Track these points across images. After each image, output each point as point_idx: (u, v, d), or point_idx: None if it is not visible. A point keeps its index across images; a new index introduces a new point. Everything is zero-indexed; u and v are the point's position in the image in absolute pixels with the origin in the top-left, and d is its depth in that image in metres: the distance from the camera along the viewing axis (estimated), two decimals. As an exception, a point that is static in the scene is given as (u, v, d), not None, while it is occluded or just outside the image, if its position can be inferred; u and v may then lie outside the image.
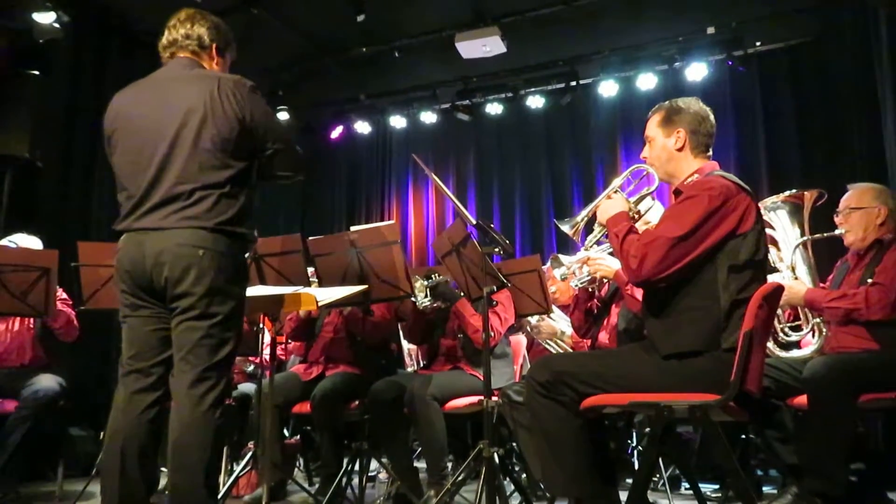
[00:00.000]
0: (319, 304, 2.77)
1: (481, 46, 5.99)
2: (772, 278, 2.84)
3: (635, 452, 4.21)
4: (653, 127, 2.43)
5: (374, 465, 4.04)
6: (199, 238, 2.12)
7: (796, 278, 3.09)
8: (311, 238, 3.61)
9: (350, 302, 3.59)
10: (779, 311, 3.02)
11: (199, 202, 2.14)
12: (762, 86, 6.27)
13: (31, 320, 3.95)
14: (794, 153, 6.02)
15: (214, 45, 2.40)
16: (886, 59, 4.63)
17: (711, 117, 2.41)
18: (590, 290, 3.18)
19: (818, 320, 3.04)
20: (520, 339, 4.23)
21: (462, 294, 3.56)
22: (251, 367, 4.47)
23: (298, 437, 4.54)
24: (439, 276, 3.61)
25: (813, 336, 3.07)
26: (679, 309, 2.17)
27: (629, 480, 3.86)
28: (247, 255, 2.31)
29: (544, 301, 3.72)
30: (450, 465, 3.56)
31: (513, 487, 3.32)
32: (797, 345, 3.13)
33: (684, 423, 3.93)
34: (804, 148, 5.95)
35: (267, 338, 3.76)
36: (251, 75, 2.35)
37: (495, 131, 7.42)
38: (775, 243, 3.16)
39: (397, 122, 7.50)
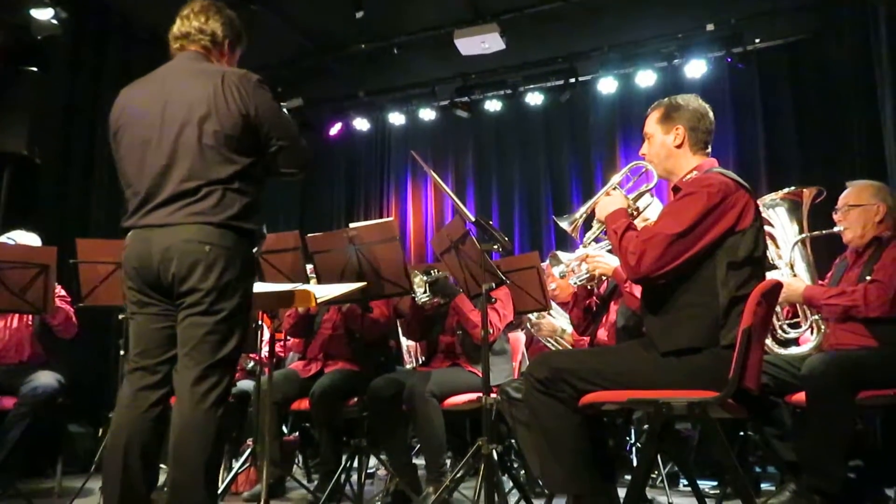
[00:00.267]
0: (318, 300, 2.77)
1: (480, 43, 5.99)
2: (770, 275, 2.84)
3: (634, 449, 4.21)
4: (652, 124, 2.43)
5: (372, 461, 4.05)
6: (206, 234, 2.10)
7: (795, 275, 3.09)
8: (309, 235, 3.61)
9: (349, 299, 3.59)
10: (777, 308, 3.02)
11: (205, 198, 2.12)
12: (761, 83, 6.27)
13: (30, 317, 3.95)
14: (792, 150, 6.03)
15: (227, 41, 2.37)
16: (886, 57, 4.63)
17: (710, 114, 2.40)
18: (589, 287, 3.18)
19: (817, 317, 3.05)
20: (518, 336, 4.23)
21: (461, 290, 3.56)
22: (250, 364, 4.47)
23: (297, 433, 4.54)
24: (438, 271, 3.62)
25: (811, 333, 3.07)
26: (678, 306, 2.17)
27: (627, 477, 3.87)
28: (255, 249, 2.27)
29: (543, 298, 3.72)
30: (448, 461, 3.57)
31: (511, 484, 3.33)
32: (796, 342, 3.13)
33: (683, 420, 3.94)
34: (803, 145, 5.95)
35: (266, 335, 3.76)
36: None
37: (494, 128, 7.41)
38: (774, 240, 3.16)
39: (396, 119, 7.49)
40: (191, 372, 2.07)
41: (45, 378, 3.67)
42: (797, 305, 3.10)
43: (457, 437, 4.29)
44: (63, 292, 3.96)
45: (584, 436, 2.19)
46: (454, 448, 4.30)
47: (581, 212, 2.55)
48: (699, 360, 2.10)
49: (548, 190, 7.11)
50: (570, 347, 4.07)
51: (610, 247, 2.78)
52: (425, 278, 3.59)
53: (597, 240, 2.68)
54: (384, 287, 3.44)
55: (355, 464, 3.44)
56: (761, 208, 3.03)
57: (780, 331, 3.09)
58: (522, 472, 3.83)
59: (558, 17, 6.06)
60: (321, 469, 3.74)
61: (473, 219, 3.05)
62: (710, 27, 6.01)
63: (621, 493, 2.29)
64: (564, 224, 2.56)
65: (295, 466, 4.48)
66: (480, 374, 3.12)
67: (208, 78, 2.20)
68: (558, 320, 4.16)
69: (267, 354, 3.53)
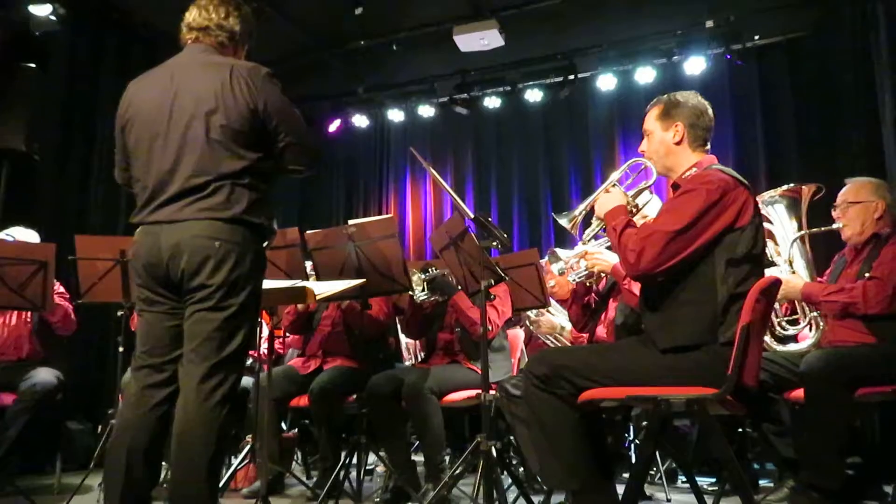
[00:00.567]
0: (317, 297, 2.77)
1: (479, 40, 5.98)
2: (769, 272, 2.84)
3: (632, 446, 4.22)
4: (651, 121, 2.43)
5: (371, 458, 4.05)
6: (216, 229, 2.08)
7: (794, 272, 3.09)
8: (308, 232, 3.61)
9: (348, 296, 3.59)
10: (776, 305, 3.03)
11: (214, 193, 2.10)
12: (761, 79, 6.27)
13: (29, 314, 3.95)
14: (792, 147, 6.02)
15: (241, 39, 2.35)
16: (885, 53, 4.63)
17: (710, 111, 2.40)
18: (587, 284, 3.18)
19: (815, 314, 3.05)
20: (517, 333, 4.23)
21: (459, 287, 3.56)
22: (249, 361, 4.47)
23: (296, 430, 4.55)
24: (436, 269, 3.61)
25: (810, 330, 3.07)
26: (677, 303, 2.17)
27: (626, 474, 3.88)
28: (265, 244, 2.25)
29: (542, 295, 3.72)
30: (447, 458, 3.57)
31: (510, 481, 3.33)
32: (794, 339, 3.14)
33: (681, 417, 3.95)
34: (802, 142, 5.95)
35: (265, 331, 3.76)
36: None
37: (493, 125, 7.40)
38: (773, 237, 3.16)
39: (395, 115, 7.48)
40: (197, 368, 2.05)
41: (44, 375, 3.67)
42: (796, 302, 3.10)
43: (455, 434, 4.30)
44: (62, 289, 3.95)
45: (582, 433, 2.19)
46: (453, 445, 4.30)
47: (580, 209, 2.55)
48: (698, 356, 2.10)
49: (547, 187, 7.11)
50: (569, 344, 4.07)
51: (609, 244, 2.78)
52: (423, 276, 3.58)
53: (596, 237, 2.68)
54: (383, 284, 3.44)
55: (354, 460, 3.44)
56: (760, 205, 3.03)
57: (778, 327, 3.09)
58: (521, 468, 3.83)
59: (557, 13, 6.05)
60: (320, 465, 3.74)
61: (472, 216, 3.06)
62: (709, 24, 5.99)
63: (620, 489, 2.29)
64: (563, 221, 2.56)
65: (294, 463, 4.48)
66: (479, 371, 3.12)
67: (217, 71, 2.17)
68: (557, 317, 4.16)
69: (266, 351, 3.53)
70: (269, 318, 3.88)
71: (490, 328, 3.37)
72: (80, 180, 5.48)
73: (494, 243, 3.03)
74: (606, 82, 6.60)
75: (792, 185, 3.19)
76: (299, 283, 2.99)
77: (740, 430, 3.45)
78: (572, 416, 2.19)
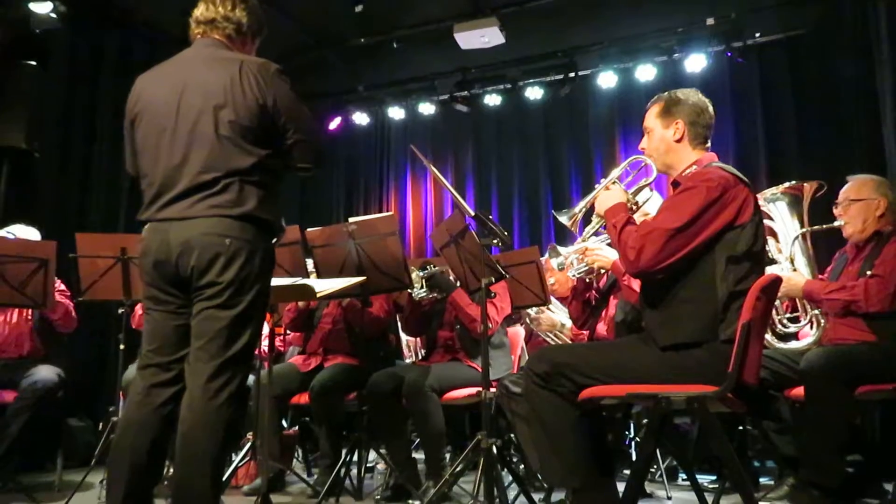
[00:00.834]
0: (318, 295, 2.77)
1: (480, 37, 5.97)
2: (770, 270, 2.84)
3: (633, 443, 4.22)
4: (651, 118, 2.42)
5: (372, 455, 4.05)
6: (225, 227, 2.07)
7: (795, 270, 3.09)
8: (309, 229, 3.61)
9: (348, 293, 3.59)
10: (777, 303, 3.02)
11: (224, 190, 2.08)
12: (762, 77, 6.25)
13: (30, 311, 3.95)
14: (793, 145, 6.01)
15: (250, 32, 2.34)
16: (886, 51, 4.61)
17: (710, 108, 2.40)
18: (587, 280, 3.18)
19: (816, 312, 3.04)
20: (517, 331, 4.23)
21: (458, 284, 3.56)
22: (250, 359, 4.47)
23: (297, 427, 4.55)
24: (434, 266, 3.61)
25: (811, 328, 3.07)
26: (677, 300, 2.17)
27: (627, 471, 3.88)
28: (274, 241, 2.23)
29: (542, 293, 3.72)
30: (448, 456, 3.57)
31: (511, 478, 3.33)
32: (795, 336, 3.13)
33: (682, 415, 3.95)
34: (803, 139, 5.94)
35: (265, 329, 3.76)
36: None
37: (494, 122, 7.40)
38: (774, 235, 3.16)
39: (396, 113, 7.47)
40: (205, 367, 2.03)
41: (45, 372, 3.67)
42: (797, 300, 3.09)
43: (456, 432, 4.30)
44: (62, 287, 3.96)
45: (583, 430, 2.19)
46: (453, 442, 4.30)
47: (580, 206, 2.55)
48: (698, 354, 2.10)
49: (547, 184, 7.10)
50: (570, 342, 4.07)
51: (609, 241, 2.78)
52: (421, 274, 3.58)
53: (596, 234, 2.68)
54: (384, 282, 3.45)
55: (355, 458, 3.45)
56: (762, 202, 3.03)
57: (779, 325, 3.09)
58: (522, 466, 3.83)
59: (558, 11, 6.04)
60: (321, 463, 3.74)
61: (473, 213, 3.05)
62: (710, 21, 5.98)
63: (620, 487, 2.29)
64: (563, 218, 2.56)
65: (294, 460, 4.48)
66: (480, 369, 3.12)
67: (226, 66, 2.16)
68: (557, 315, 4.16)
69: (266, 349, 3.53)
70: (269, 315, 3.87)
71: (490, 325, 3.37)
72: (81, 178, 5.47)
73: (495, 241, 3.02)
74: (607, 80, 6.59)
75: (794, 182, 3.19)
76: (300, 280, 3.00)
77: (741, 427, 3.45)
78: (573, 414, 2.19)
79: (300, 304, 3.96)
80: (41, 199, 5.11)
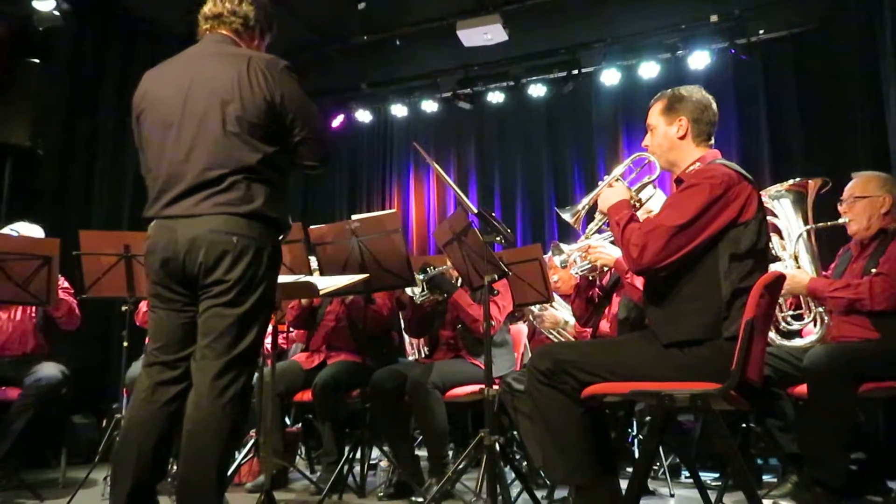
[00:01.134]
0: (321, 292, 2.77)
1: (483, 34, 5.96)
2: (774, 267, 2.84)
3: (636, 441, 4.22)
4: (655, 115, 2.42)
5: (375, 453, 4.06)
6: (233, 224, 2.06)
7: (799, 267, 3.08)
8: (312, 227, 3.61)
9: (351, 290, 3.59)
10: (781, 300, 3.02)
11: (230, 188, 2.07)
12: (765, 74, 6.24)
13: (33, 309, 3.96)
14: (797, 141, 6.00)
15: (258, 27, 2.33)
16: (891, 47, 4.59)
17: (714, 106, 2.39)
18: (590, 278, 3.17)
19: (820, 309, 3.04)
20: (520, 328, 4.23)
21: (459, 283, 3.56)
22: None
23: (300, 425, 4.56)
24: (434, 267, 3.60)
25: (815, 325, 3.06)
26: (680, 298, 2.17)
27: (630, 469, 3.88)
28: (280, 238, 2.22)
29: (546, 290, 3.72)
30: (451, 453, 3.57)
31: (513, 475, 3.34)
32: (798, 334, 3.12)
33: (685, 412, 3.94)
34: (807, 136, 5.93)
35: (269, 326, 3.76)
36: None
37: (496, 120, 7.39)
38: (778, 232, 3.15)
39: (398, 110, 7.47)
40: (212, 364, 2.03)
41: (49, 369, 3.68)
42: (801, 297, 3.09)
43: (459, 429, 4.30)
44: (66, 284, 3.96)
45: (586, 427, 2.19)
46: (456, 439, 4.31)
47: (583, 203, 2.54)
48: (702, 351, 2.10)
49: (550, 182, 7.10)
50: (573, 339, 4.07)
51: (612, 238, 2.78)
52: (421, 277, 3.56)
53: (599, 231, 2.67)
54: (387, 279, 3.45)
55: (358, 455, 3.45)
56: (766, 199, 3.03)
57: (783, 322, 3.08)
58: (525, 463, 3.84)
59: (561, 8, 6.03)
60: (324, 460, 3.75)
61: (476, 210, 3.05)
62: (713, 18, 5.97)
63: (623, 484, 2.29)
64: (567, 215, 2.55)
65: (298, 457, 4.50)
66: (483, 366, 3.12)
67: (234, 62, 2.15)
68: (561, 312, 4.16)
69: (269, 346, 3.54)
70: (272, 312, 3.88)
71: (493, 324, 3.37)
72: (84, 175, 5.48)
73: (498, 238, 3.01)
74: (610, 77, 6.58)
75: (798, 179, 3.18)
76: (303, 277, 3.00)
77: (744, 425, 3.44)
78: (576, 411, 2.18)
79: (303, 301, 3.97)
80: (45, 197, 5.12)
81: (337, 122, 7.57)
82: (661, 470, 3.80)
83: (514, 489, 3.29)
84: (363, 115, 7.57)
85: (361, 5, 5.68)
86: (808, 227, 3.12)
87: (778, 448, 3.18)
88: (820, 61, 5.84)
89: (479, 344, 3.55)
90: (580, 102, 6.95)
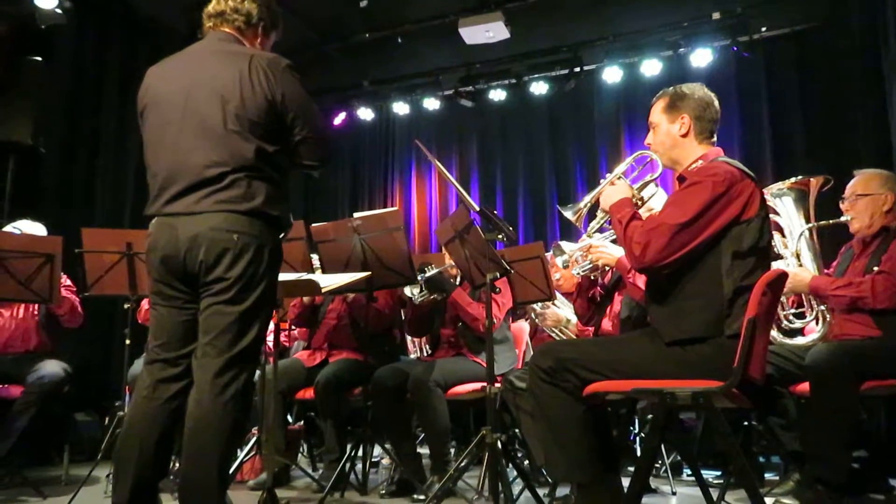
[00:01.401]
0: (323, 290, 2.77)
1: (485, 32, 5.96)
2: (776, 265, 2.83)
3: (638, 439, 4.22)
4: (657, 113, 2.41)
5: (377, 450, 4.06)
6: (233, 222, 2.06)
7: (801, 265, 3.07)
8: (314, 225, 3.61)
9: (353, 288, 3.59)
10: (783, 298, 3.01)
11: (231, 186, 2.07)
12: (767, 71, 6.23)
13: (36, 307, 3.97)
14: (799, 139, 5.99)
15: (262, 24, 2.33)
16: (893, 45, 4.58)
17: (716, 103, 2.39)
18: (592, 277, 3.17)
19: (822, 308, 3.03)
20: (522, 326, 4.23)
21: (457, 282, 3.55)
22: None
23: (302, 422, 4.56)
24: (432, 266, 3.60)
25: (817, 323, 3.06)
26: (682, 295, 2.17)
27: (631, 467, 3.88)
28: (281, 236, 2.22)
29: (547, 288, 3.72)
30: (453, 450, 3.58)
31: (515, 473, 3.34)
32: (801, 332, 3.12)
33: (687, 410, 3.94)
34: (809, 134, 5.92)
35: (270, 324, 3.77)
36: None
37: (498, 118, 7.39)
38: (780, 230, 3.15)
39: (400, 108, 7.47)
40: (213, 362, 2.03)
41: (52, 367, 3.69)
42: (803, 295, 3.08)
43: (461, 427, 4.30)
44: (69, 282, 3.97)
45: (588, 425, 2.19)
46: (458, 437, 4.31)
47: (585, 201, 2.54)
48: (704, 349, 2.09)
49: (552, 179, 7.10)
50: (575, 337, 4.07)
51: (614, 237, 2.77)
52: (420, 278, 3.56)
53: (601, 230, 2.67)
54: (389, 277, 3.44)
55: (360, 453, 3.45)
56: (768, 198, 3.02)
57: (785, 321, 3.07)
58: (526, 461, 3.84)
59: (563, 6, 6.03)
60: (326, 458, 3.75)
61: (478, 208, 3.04)
62: (716, 16, 5.96)
63: (625, 482, 2.29)
64: (568, 214, 2.55)
65: (300, 455, 4.50)
66: (484, 364, 3.12)
67: (236, 60, 2.15)
68: (563, 310, 4.16)
69: (272, 344, 3.54)
70: (274, 310, 3.88)
71: (493, 321, 3.37)
72: (87, 173, 5.49)
73: (500, 236, 3.01)
74: (612, 75, 6.57)
75: (800, 177, 3.17)
76: (305, 275, 3.00)
77: (746, 423, 3.45)
78: (578, 409, 2.18)
79: (305, 299, 3.97)
80: (47, 195, 5.13)
81: (339, 120, 7.58)
82: (663, 468, 3.80)
83: (516, 487, 3.29)
84: (365, 113, 7.57)
85: (363, 3, 5.68)
86: (810, 225, 3.11)
87: (780, 446, 3.18)
88: (822, 59, 5.83)
89: (479, 342, 3.55)
90: (582, 100, 6.95)
